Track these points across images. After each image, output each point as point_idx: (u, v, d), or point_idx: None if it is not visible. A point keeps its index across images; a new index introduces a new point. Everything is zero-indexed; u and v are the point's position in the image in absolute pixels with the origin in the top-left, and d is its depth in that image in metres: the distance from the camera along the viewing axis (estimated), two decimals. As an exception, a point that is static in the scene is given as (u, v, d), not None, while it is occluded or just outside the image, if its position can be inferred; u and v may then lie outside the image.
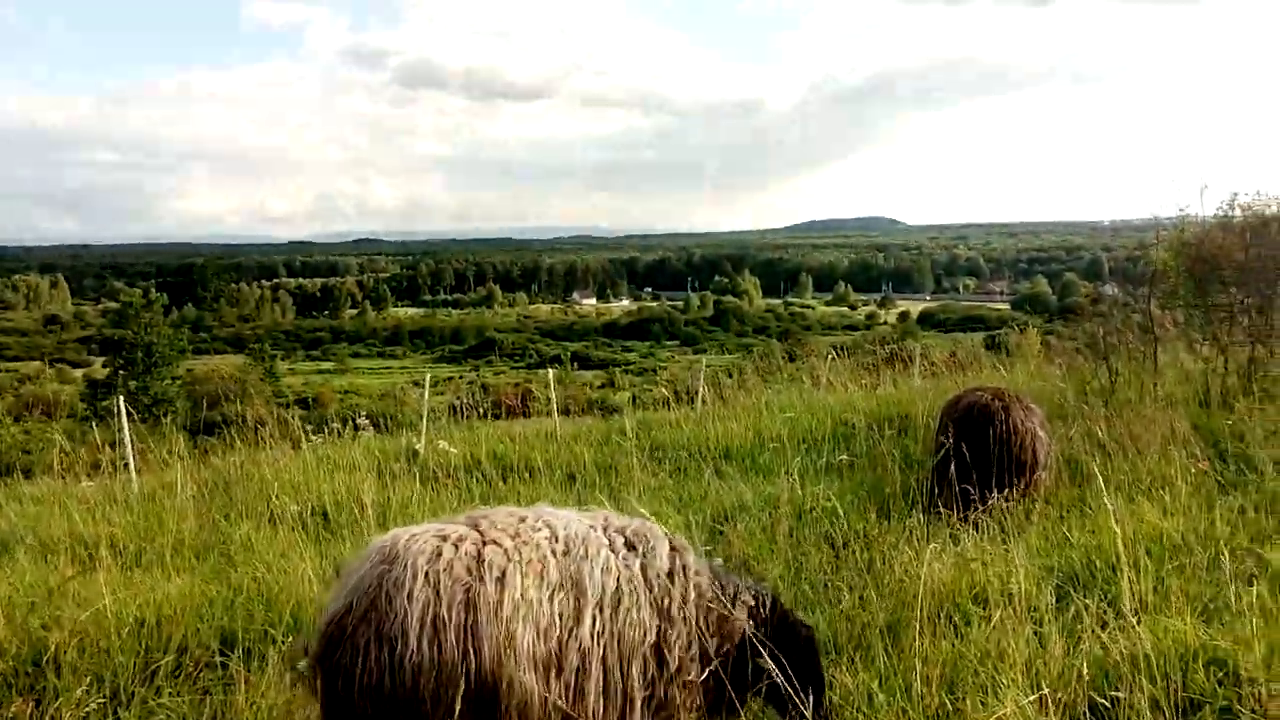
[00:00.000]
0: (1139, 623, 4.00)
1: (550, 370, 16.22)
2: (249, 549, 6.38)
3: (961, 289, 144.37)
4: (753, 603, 3.39)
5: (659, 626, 3.09)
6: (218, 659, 4.85)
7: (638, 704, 3.01)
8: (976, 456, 6.41)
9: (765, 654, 3.20)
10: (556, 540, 3.10)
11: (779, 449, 9.26)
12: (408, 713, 2.68)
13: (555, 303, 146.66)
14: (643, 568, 3.17)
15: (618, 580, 3.06)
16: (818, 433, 10.06)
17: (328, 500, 7.54)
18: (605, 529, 3.29)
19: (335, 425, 11.44)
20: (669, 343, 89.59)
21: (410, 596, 2.76)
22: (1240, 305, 10.53)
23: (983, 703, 3.29)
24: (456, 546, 2.95)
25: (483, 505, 5.13)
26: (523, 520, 3.20)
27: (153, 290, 54.22)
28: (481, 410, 13.56)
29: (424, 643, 2.72)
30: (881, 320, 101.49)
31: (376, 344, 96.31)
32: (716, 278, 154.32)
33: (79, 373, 59.52)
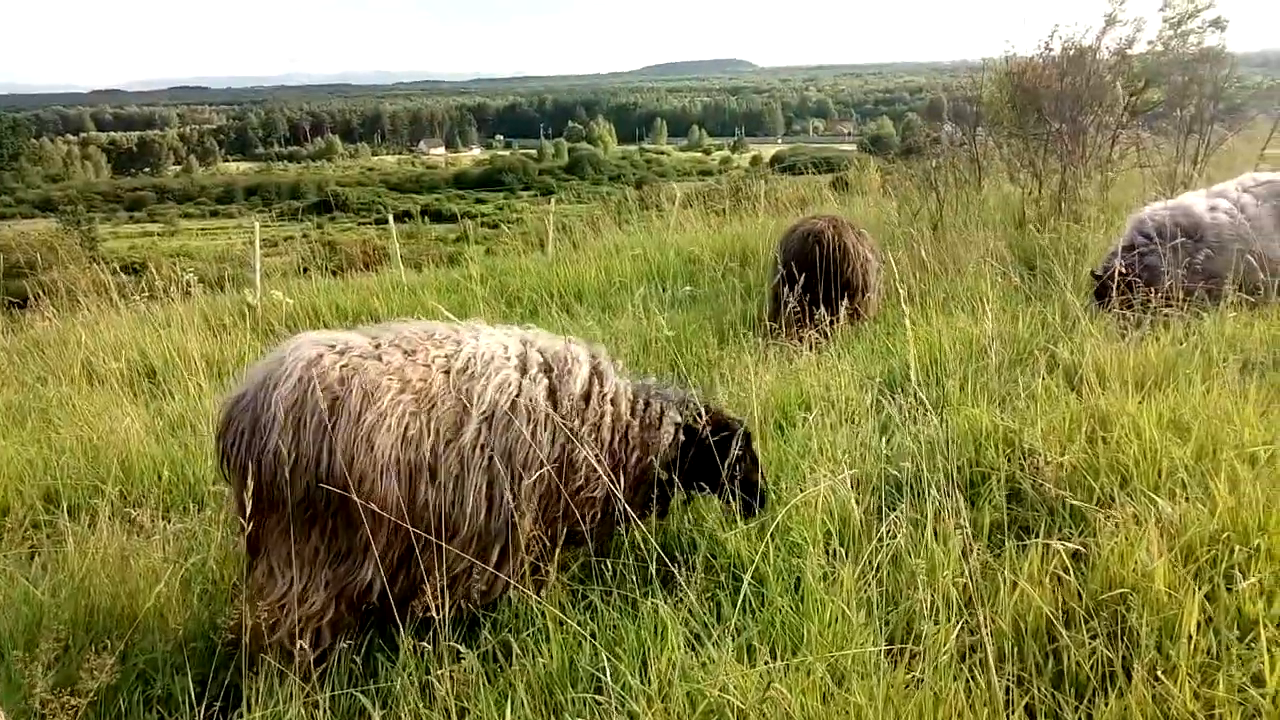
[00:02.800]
0: (941, 413, 4.41)
1: (391, 220, 15.59)
2: (69, 409, 6.03)
3: (812, 131, 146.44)
4: (679, 419, 3.59)
5: (564, 445, 3.29)
6: (43, 518, 4.66)
7: (528, 515, 3.20)
8: (809, 278, 6.70)
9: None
10: (455, 358, 3.26)
11: (627, 287, 9.37)
12: (271, 497, 2.95)
13: (401, 153, 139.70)
14: (551, 389, 3.34)
15: (513, 399, 3.23)
16: (665, 271, 10.22)
17: (154, 358, 7.15)
18: (525, 349, 3.44)
19: (161, 284, 10.69)
20: (524, 193, 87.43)
21: (281, 395, 2.99)
22: (1055, 133, 11.15)
23: (800, 488, 3.57)
24: (341, 354, 3.14)
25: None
26: (431, 336, 3.35)
27: (-67, 149, 47.96)
28: (327, 268, 13.00)
29: (284, 438, 2.95)
30: (735, 164, 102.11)
31: (208, 203, 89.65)
32: (570, 124, 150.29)
33: None
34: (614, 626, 3.03)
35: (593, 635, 2.89)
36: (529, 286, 10.30)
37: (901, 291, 4.52)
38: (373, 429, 2.99)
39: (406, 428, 3.05)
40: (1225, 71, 11.40)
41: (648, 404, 3.62)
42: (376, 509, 2.97)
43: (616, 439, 3.44)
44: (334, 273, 12.95)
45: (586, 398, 3.43)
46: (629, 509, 3.32)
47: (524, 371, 3.34)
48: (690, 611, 2.91)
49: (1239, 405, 4.11)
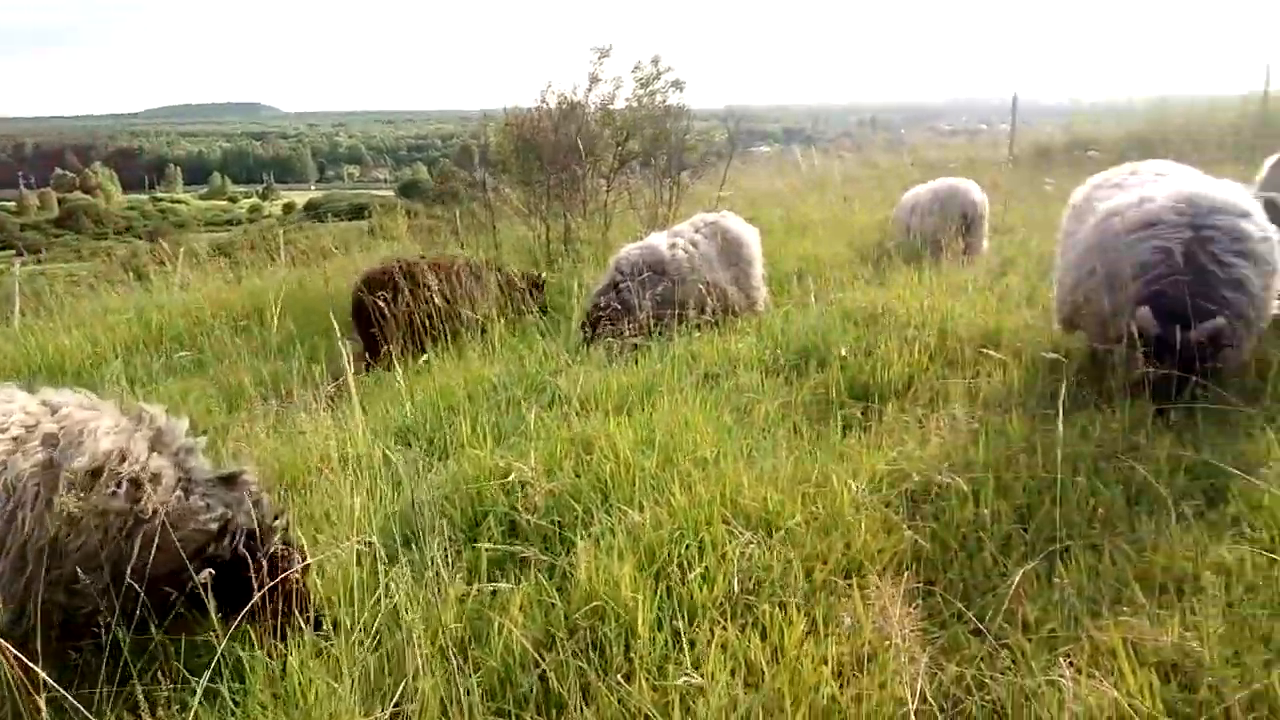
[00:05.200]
0: (450, 458, 4.48)
1: None
2: None
3: (346, 177, 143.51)
4: (215, 527, 3.14)
5: (58, 526, 2.87)
6: None
7: (19, 597, 2.87)
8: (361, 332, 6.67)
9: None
10: None
11: (119, 357, 8.21)
12: None
13: None
14: (52, 461, 2.95)
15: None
16: (167, 333, 9.18)
17: None
18: (40, 417, 3.06)
19: None
20: (3, 252, 73.13)
21: None
22: (555, 181, 12.17)
23: (303, 558, 3.34)
24: None
25: None
26: None
27: None
28: None
29: None
30: (267, 212, 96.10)
31: None
32: (59, 171, 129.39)
33: None
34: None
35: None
36: (-14, 369, 8.52)
37: (394, 349, 4.49)
38: None
39: None
40: (684, 124, 13.37)
41: (189, 496, 3.15)
42: None
43: (126, 530, 2.99)
44: None
45: (95, 474, 2.97)
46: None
47: (21, 441, 2.96)
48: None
49: (695, 414, 4.76)
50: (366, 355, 7.22)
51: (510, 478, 3.97)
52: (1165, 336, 4.09)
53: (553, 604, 3.17)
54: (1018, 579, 3.00)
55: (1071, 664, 2.73)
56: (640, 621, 2.91)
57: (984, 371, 5.34)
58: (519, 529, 3.81)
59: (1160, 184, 4.87)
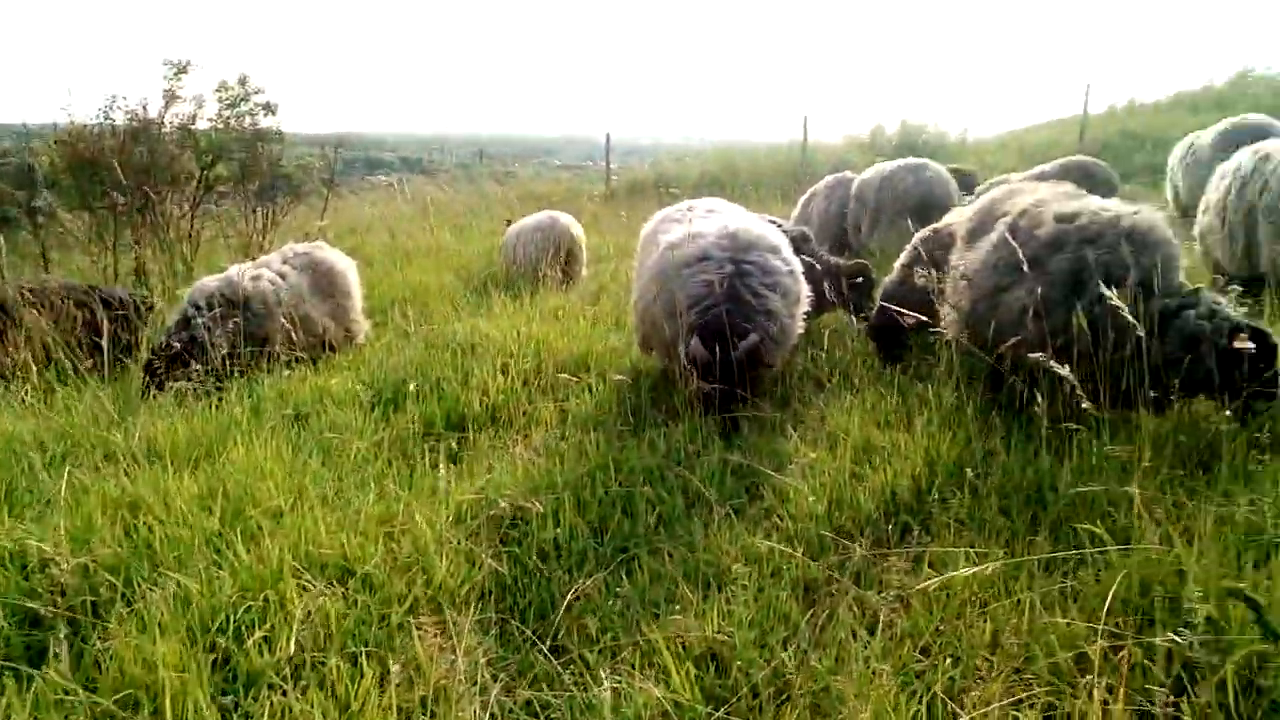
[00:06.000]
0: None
1: None
2: None
3: None
4: None
5: None
6: None
7: None
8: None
9: None
10: None
11: None
12: None
13: None
14: None
15: None
16: None
17: None
18: None
19: None
20: None
21: None
22: (125, 207, 10.77)
23: None
24: None
25: None
26: None
27: None
28: None
29: None
30: None
31: None
32: None
33: None
34: None
35: None
36: None
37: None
38: None
39: None
40: (278, 149, 12.58)
41: None
42: None
43: None
44: None
45: None
46: None
47: None
48: None
49: (272, 460, 4.40)
50: None
51: (33, 554, 3.35)
52: (712, 359, 4.59)
53: (76, 700, 2.71)
54: (571, 594, 3.14)
55: (631, 667, 2.90)
56: (171, 703, 2.57)
57: (573, 394, 5.60)
58: (40, 616, 3.22)
59: (710, 220, 5.47)
